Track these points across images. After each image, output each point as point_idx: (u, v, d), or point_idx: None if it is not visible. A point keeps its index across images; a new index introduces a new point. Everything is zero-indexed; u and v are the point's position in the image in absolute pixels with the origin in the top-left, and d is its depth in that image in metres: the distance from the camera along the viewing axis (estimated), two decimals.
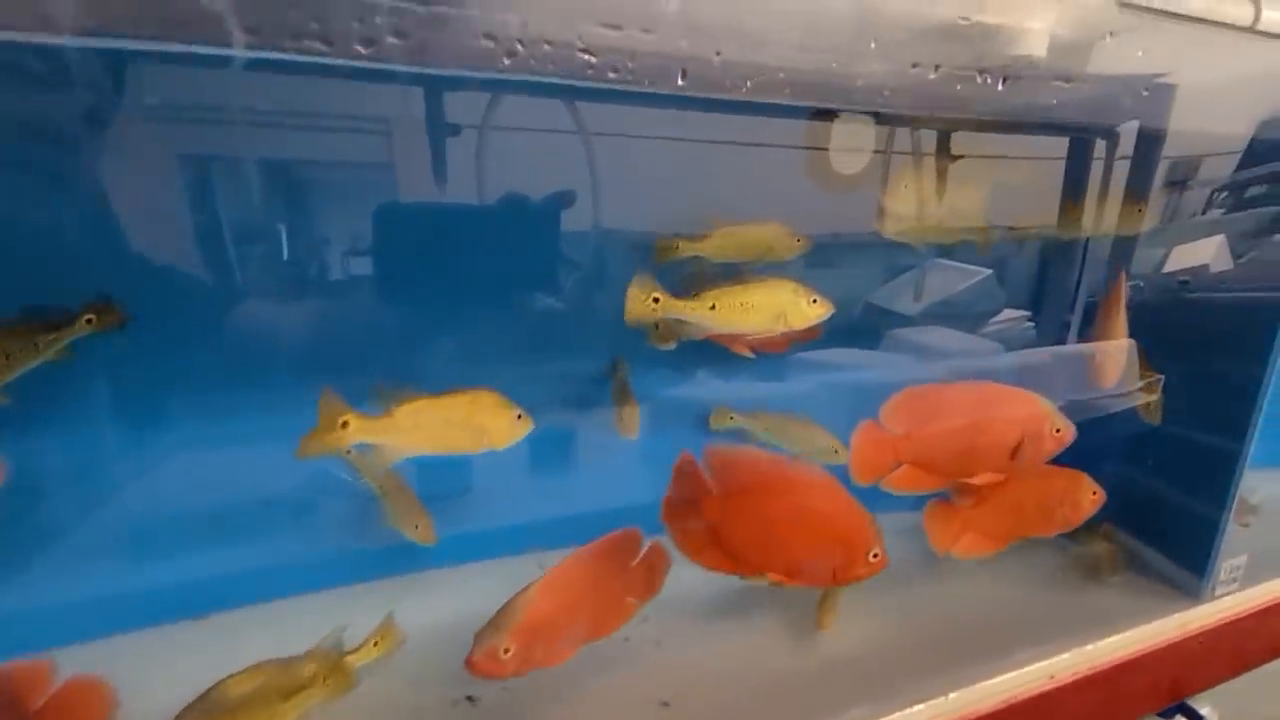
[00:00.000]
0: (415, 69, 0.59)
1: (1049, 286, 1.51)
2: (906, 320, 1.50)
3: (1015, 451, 0.89)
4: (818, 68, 0.76)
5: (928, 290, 1.54)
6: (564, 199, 0.94)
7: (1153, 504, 1.15)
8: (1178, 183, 1.44)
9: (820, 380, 1.19)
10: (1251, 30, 0.84)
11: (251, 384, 0.86)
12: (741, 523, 0.80)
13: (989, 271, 1.51)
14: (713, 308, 0.80)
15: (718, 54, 0.68)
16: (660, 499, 0.83)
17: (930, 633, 0.97)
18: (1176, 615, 1.03)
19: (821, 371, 1.23)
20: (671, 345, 0.93)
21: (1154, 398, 1.12)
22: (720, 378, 1.09)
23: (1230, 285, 1.19)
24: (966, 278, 1.54)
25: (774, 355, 1.09)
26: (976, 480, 0.90)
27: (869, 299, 1.49)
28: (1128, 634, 0.99)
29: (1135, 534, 1.17)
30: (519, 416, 0.73)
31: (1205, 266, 1.23)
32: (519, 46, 0.60)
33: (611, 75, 0.65)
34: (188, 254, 0.82)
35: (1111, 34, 0.89)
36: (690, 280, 0.81)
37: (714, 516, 0.81)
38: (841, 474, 0.87)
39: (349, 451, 0.83)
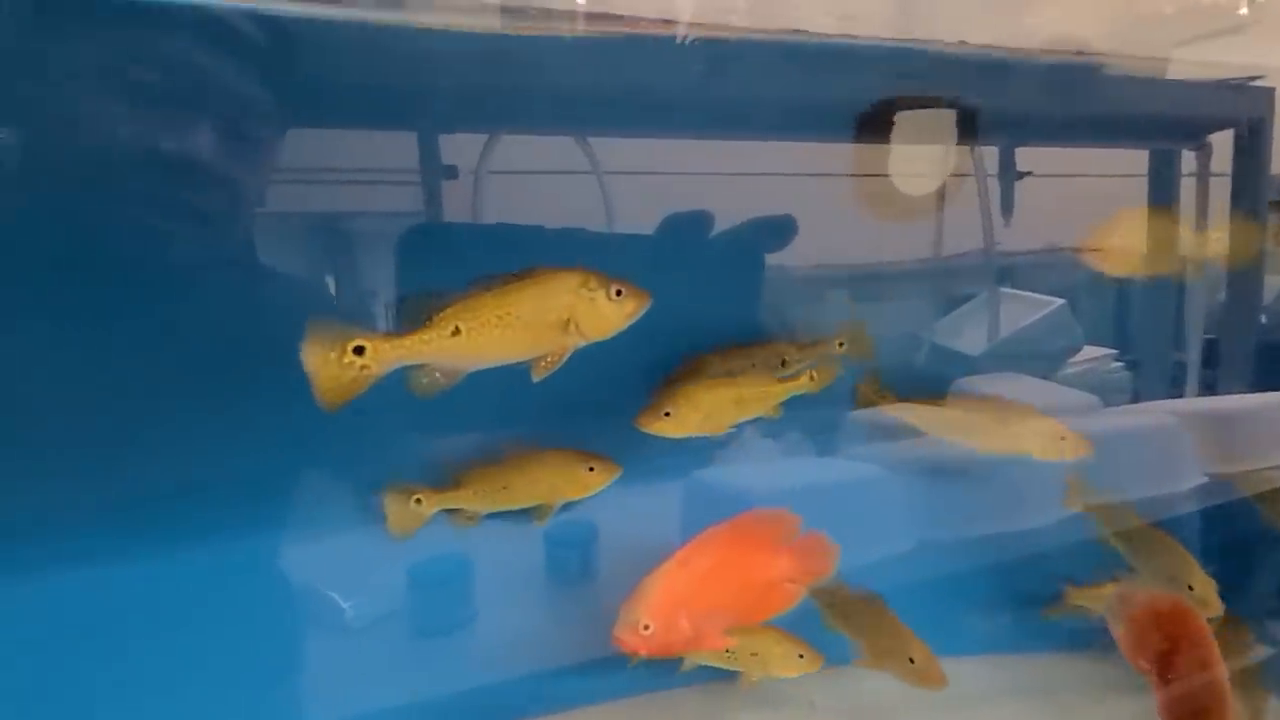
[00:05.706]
0: None
1: (1141, 317, 1.29)
2: (968, 363, 1.27)
3: None
4: None
5: (991, 325, 1.31)
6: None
7: None
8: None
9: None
10: None
11: None
12: None
13: (1061, 301, 1.29)
14: None
15: None
16: None
17: None
18: None
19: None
20: None
21: None
22: None
23: None
24: (1036, 309, 1.32)
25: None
26: None
27: (935, 340, 1.26)
28: None
29: None
30: (617, 292, 0.51)
31: None
32: None
33: None
34: None
35: None
36: None
37: None
38: None
39: None
